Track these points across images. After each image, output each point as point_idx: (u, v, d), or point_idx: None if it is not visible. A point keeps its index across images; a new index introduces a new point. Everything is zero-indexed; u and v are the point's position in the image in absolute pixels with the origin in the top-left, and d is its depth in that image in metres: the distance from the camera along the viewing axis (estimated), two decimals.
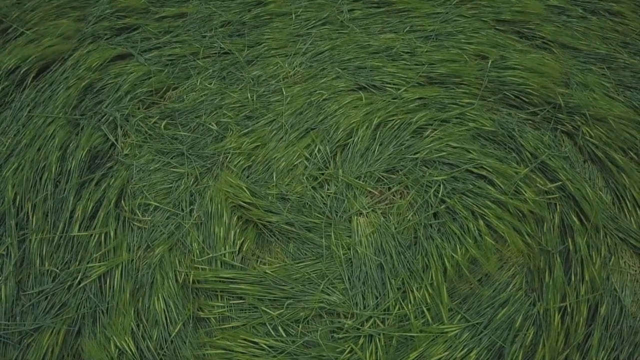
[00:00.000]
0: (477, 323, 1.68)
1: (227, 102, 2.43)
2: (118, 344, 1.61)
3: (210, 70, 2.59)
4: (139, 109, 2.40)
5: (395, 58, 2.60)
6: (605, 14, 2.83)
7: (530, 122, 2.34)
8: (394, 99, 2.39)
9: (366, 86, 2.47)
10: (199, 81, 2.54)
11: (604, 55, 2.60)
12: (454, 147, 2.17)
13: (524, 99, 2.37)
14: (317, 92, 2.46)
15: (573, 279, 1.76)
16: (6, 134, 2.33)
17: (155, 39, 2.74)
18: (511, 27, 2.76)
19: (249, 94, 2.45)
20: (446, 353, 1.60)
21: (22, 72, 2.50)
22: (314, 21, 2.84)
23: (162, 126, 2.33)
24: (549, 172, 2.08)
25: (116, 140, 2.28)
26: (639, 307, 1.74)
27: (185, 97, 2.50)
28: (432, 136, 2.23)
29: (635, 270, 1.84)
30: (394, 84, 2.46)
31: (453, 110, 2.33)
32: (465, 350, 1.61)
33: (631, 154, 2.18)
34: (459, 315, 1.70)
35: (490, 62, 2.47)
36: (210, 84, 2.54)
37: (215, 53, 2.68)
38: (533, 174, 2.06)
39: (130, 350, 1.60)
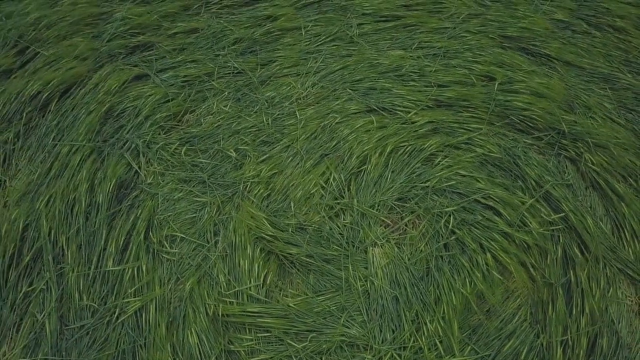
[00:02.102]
0: (485, 355, 1.83)
1: (244, 127, 2.52)
2: None
3: (226, 93, 2.66)
4: (159, 134, 2.49)
5: (404, 79, 2.68)
6: (609, 29, 2.89)
7: (535, 147, 2.44)
8: (403, 123, 2.48)
9: (377, 108, 2.56)
10: (215, 104, 2.62)
11: (606, 74, 2.68)
12: (463, 176, 2.29)
13: (529, 123, 2.47)
14: (330, 115, 2.55)
15: (574, 311, 1.91)
16: (33, 162, 2.43)
17: (169, 58, 2.80)
18: (517, 44, 2.83)
19: (264, 118, 2.54)
20: None
21: (44, 97, 2.57)
22: (323, 37, 2.90)
23: (182, 153, 2.43)
24: (552, 202, 2.20)
25: (139, 167, 2.38)
26: (633, 338, 1.90)
27: (202, 120, 2.59)
28: (442, 164, 2.34)
29: (632, 301, 1.99)
30: (403, 107, 2.55)
31: (462, 136, 2.43)
32: None
33: (631, 180, 2.30)
34: (469, 347, 1.86)
35: (496, 85, 2.55)
36: (226, 106, 2.62)
37: (229, 73, 2.75)
38: (537, 203, 2.19)
39: None
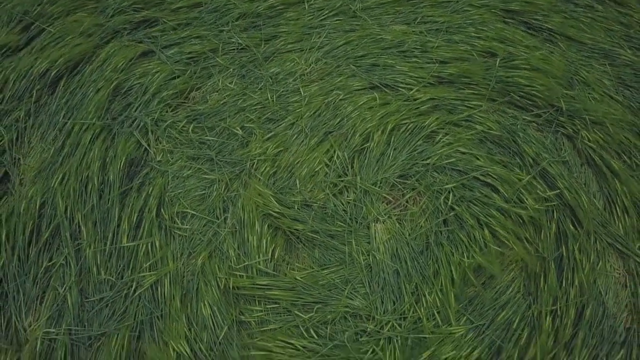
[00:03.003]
0: (480, 324, 1.96)
1: (249, 104, 2.58)
2: (175, 347, 1.89)
3: (231, 69, 2.71)
4: (166, 112, 2.55)
5: (407, 55, 2.72)
6: (611, 3, 2.91)
7: (534, 124, 2.51)
8: (405, 100, 2.54)
9: (380, 85, 2.61)
10: (220, 81, 2.67)
11: (607, 50, 2.72)
12: (463, 153, 2.37)
13: (529, 100, 2.53)
14: (334, 91, 2.60)
15: (564, 283, 2.03)
16: (45, 140, 2.50)
17: (174, 34, 2.82)
18: (519, 18, 2.86)
19: (269, 95, 2.60)
20: (453, 352, 1.89)
21: (52, 74, 2.61)
22: (327, 11, 2.91)
23: (190, 130, 2.50)
24: (548, 178, 2.29)
25: (148, 145, 2.46)
26: (619, 308, 2.02)
27: (208, 97, 2.64)
28: (442, 141, 2.41)
29: (619, 273, 2.11)
30: (406, 84, 2.60)
31: (462, 113, 2.49)
32: (470, 349, 1.90)
33: (625, 157, 2.38)
34: (465, 317, 1.98)
35: (498, 61, 2.60)
36: (231, 83, 2.67)
37: (234, 49, 2.79)
38: (534, 180, 2.27)
39: (186, 352, 1.89)
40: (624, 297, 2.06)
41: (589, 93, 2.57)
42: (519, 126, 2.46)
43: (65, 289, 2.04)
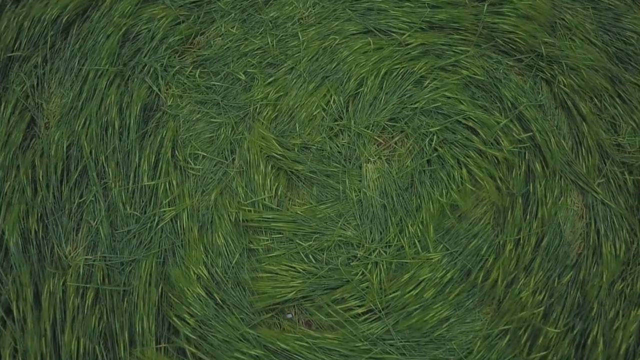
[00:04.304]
0: (454, 251, 2.31)
1: (250, 49, 2.76)
2: (195, 271, 2.25)
3: (232, 14, 2.85)
4: (174, 58, 2.74)
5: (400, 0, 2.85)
6: None
7: (516, 68, 2.71)
8: (398, 45, 2.72)
9: (374, 30, 2.77)
10: (223, 26, 2.83)
11: None
12: (448, 98, 2.59)
13: (513, 45, 2.71)
14: (330, 36, 2.77)
15: (529, 216, 2.35)
16: (63, 85, 2.72)
17: None
18: None
19: (269, 39, 2.77)
20: (430, 274, 2.25)
21: (63, 20, 2.76)
22: None
23: (197, 75, 2.70)
24: (524, 122, 2.54)
25: (159, 90, 2.68)
26: (574, 237, 2.36)
27: (212, 42, 2.82)
28: (430, 86, 2.63)
29: (578, 207, 2.42)
30: (398, 29, 2.77)
31: (450, 58, 2.68)
32: (444, 271, 2.26)
33: (596, 101, 2.61)
34: (441, 246, 2.32)
35: (486, 6, 2.74)
36: (233, 27, 2.83)
37: None
38: (511, 123, 2.52)
39: (205, 275, 2.25)
40: (580, 227, 2.39)
41: (570, 38, 2.74)
42: (501, 71, 2.66)
43: (97, 223, 2.36)
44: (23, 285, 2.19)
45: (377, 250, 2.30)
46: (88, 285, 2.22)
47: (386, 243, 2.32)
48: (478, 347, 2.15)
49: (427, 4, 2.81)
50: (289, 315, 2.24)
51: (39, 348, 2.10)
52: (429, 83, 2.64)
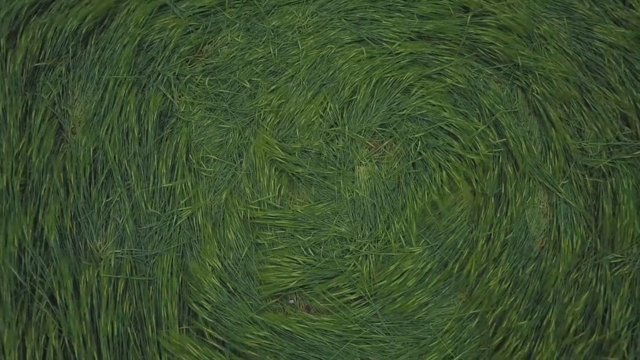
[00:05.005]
0: (434, 245, 2.67)
1: (255, 58, 3.04)
2: (210, 263, 2.62)
3: (237, 24, 3.11)
4: (185, 67, 3.02)
5: (391, 9, 3.11)
6: None
7: (494, 77, 3.00)
8: (389, 54, 3.00)
9: (367, 39, 3.04)
10: (229, 35, 3.10)
11: (567, 3, 3.09)
12: (433, 105, 2.90)
13: (493, 55, 2.99)
14: (327, 45, 3.05)
15: (499, 213, 2.70)
16: (86, 93, 3.01)
17: None
18: None
19: (271, 48, 3.04)
20: (412, 265, 2.62)
21: (83, 31, 3.03)
22: None
23: (206, 83, 3.00)
24: (500, 128, 2.85)
25: (172, 97, 2.97)
26: (538, 232, 2.71)
27: (219, 51, 3.09)
28: (417, 94, 2.92)
29: (543, 205, 2.77)
30: (389, 38, 3.04)
31: (436, 67, 2.97)
32: (424, 263, 2.63)
33: (565, 107, 2.91)
34: (423, 240, 2.68)
35: (469, 18, 3.00)
36: (238, 36, 3.10)
37: (239, 3, 3.16)
38: (488, 129, 2.84)
39: (218, 266, 2.62)
40: (544, 224, 2.74)
41: (546, 47, 3.01)
42: (481, 79, 2.95)
43: (123, 220, 2.71)
44: (63, 276, 2.57)
45: (367, 245, 2.66)
46: (119, 276, 2.59)
47: (375, 238, 2.68)
48: (451, 328, 2.54)
49: (416, 14, 3.06)
50: (291, 301, 2.63)
51: (80, 330, 2.49)
52: (416, 91, 2.93)
